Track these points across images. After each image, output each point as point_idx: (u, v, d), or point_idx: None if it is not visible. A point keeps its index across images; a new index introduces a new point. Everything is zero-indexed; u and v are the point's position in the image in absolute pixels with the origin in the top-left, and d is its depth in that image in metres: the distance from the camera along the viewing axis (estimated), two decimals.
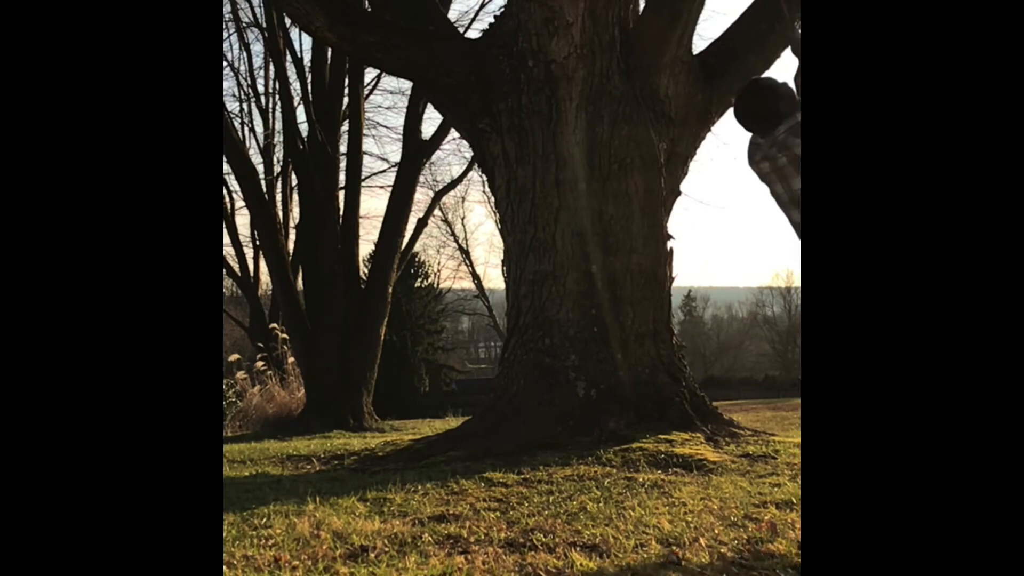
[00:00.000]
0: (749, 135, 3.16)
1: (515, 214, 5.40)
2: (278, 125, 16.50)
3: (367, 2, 8.39)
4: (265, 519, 2.91)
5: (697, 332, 45.23)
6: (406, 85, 16.19)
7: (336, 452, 5.31)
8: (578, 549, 2.32)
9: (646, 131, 5.29)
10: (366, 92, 14.64)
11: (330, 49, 10.95)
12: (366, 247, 20.76)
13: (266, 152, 17.91)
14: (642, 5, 5.64)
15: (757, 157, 3.09)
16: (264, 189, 13.03)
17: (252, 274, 18.67)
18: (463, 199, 36.36)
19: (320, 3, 5.37)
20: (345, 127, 12.49)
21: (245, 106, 18.81)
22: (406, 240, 12.25)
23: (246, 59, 31.19)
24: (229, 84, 19.47)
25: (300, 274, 11.99)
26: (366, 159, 16.39)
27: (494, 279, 48.62)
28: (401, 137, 12.16)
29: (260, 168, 15.74)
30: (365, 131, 13.33)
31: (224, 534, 2.64)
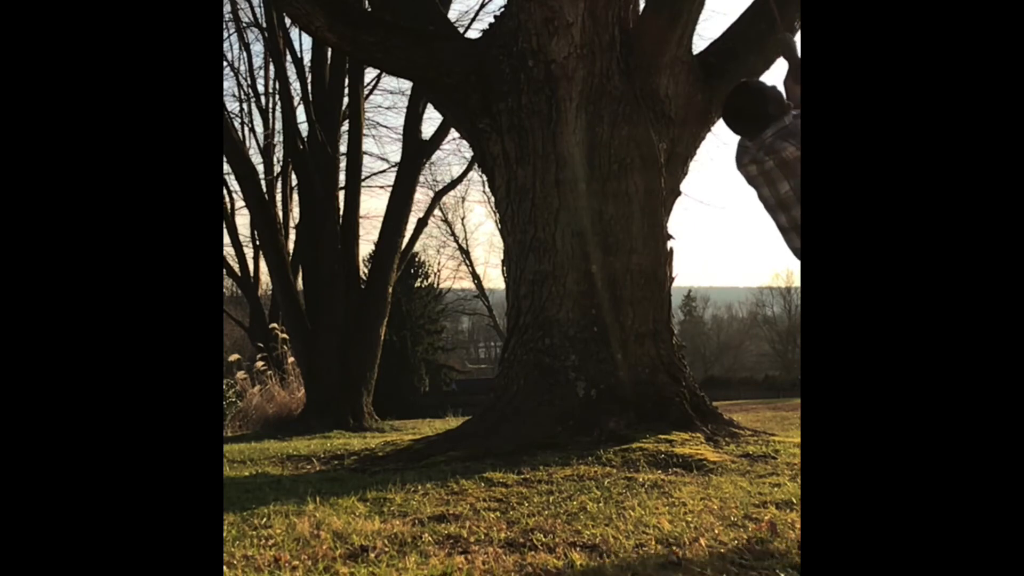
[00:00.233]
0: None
1: (515, 214, 5.40)
2: (278, 125, 16.53)
3: (367, 2, 8.39)
4: (265, 519, 2.91)
5: (697, 332, 45.23)
6: (406, 85, 16.20)
7: (336, 452, 5.31)
8: (578, 549, 2.32)
9: (646, 131, 5.29)
10: (366, 92, 14.65)
11: (330, 49, 10.95)
12: (366, 247, 20.78)
13: (266, 152, 17.92)
14: (642, 5, 5.64)
15: (745, 160, 3.09)
16: (264, 189, 13.03)
17: (252, 274, 18.67)
18: (463, 199, 36.39)
19: (320, 3, 5.37)
20: (345, 127, 12.49)
21: (245, 106, 18.84)
22: (406, 240, 12.25)
23: (246, 59, 31.20)
24: (229, 84, 19.48)
25: (300, 274, 11.99)
26: (366, 159, 16.40)
27: (494, 279, 48.65)
28: (401, 137, 12.17)
29: (260, 168, 15.75)
30: (365, 131, 13.33)
31: (224, 534, 2.64)
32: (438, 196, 15.28)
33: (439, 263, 34.80)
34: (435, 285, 32.64)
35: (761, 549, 2.21)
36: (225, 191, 16.83)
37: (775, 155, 2.94)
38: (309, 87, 12.04)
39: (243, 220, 33.38)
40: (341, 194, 11.61)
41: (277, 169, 17.76)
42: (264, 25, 12.98)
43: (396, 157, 15.90)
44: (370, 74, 14.72)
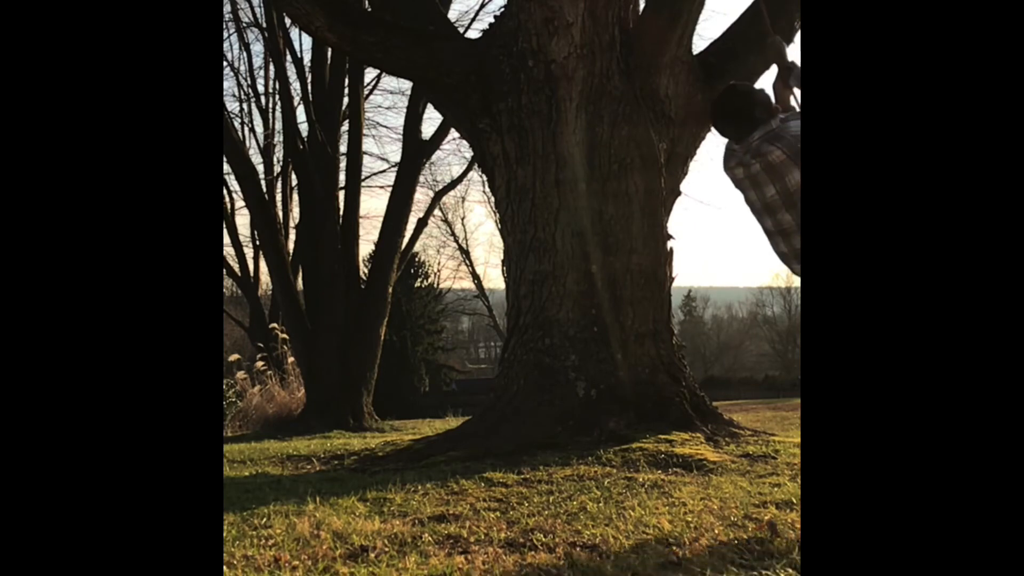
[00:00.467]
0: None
1: (515, 214, 5.40)
2: (278, 125, 16.54)
3: (367, 2, 8.39)
4: (265, 519, 2.91)
5: (697, 332, 45.24)
6: (406, 85, 16.21)
7: (336, 452, 5.31)
8: (578, 549, 2.32)
9: (646, 131, 5.29)
10: (366, 92, 14.66)
11: (330, 49, 10.96)
12: (366, 247, 20.78)
13: (266, 152, 17.92)
14: (642, 5, 5.64)
15: (732, 163, 3.09)
16: (264, 189, 13.04)
17: (252, 274, 18.67)
18: (463, 199, 36.45)
19: (320, 3, 5.36)
20: (345, 127, 12.49)
21: (245, 106, 18.85)
22: (406, 240, 12.26)
23: (246, 59, 31.23)
24: (229, 84, 19.49)
25: (300, 274, 11.99)
26: (366, 159, 16.42)
27: (494, 279, 48.68)
28: (401, 137, 12.17)
29: (260, 168, 15.76)
30: (365, 131, 13.34)
31: (224, 534, 2.64)
32: (438, 196, 15.29)
33: (439, 263, 34.85)
34: (435, 285, 32.65)
35: (761, 549, 2.21)
36: (225, 191, 16.83)
37: (761, 158, 2.94)
38: (309, 87, 12.04)
39: (243, 220, 33.41)
40: (341, 194, 11.61)
41: (277, 169, 17.77)
42: (264, 25, 12.99)
43: (396, 157, 15.91)
44: (370, 74, 14.73)
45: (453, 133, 11.89)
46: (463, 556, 2.31)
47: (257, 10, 14.02)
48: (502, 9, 5.74)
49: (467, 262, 34.55)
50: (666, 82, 5.45)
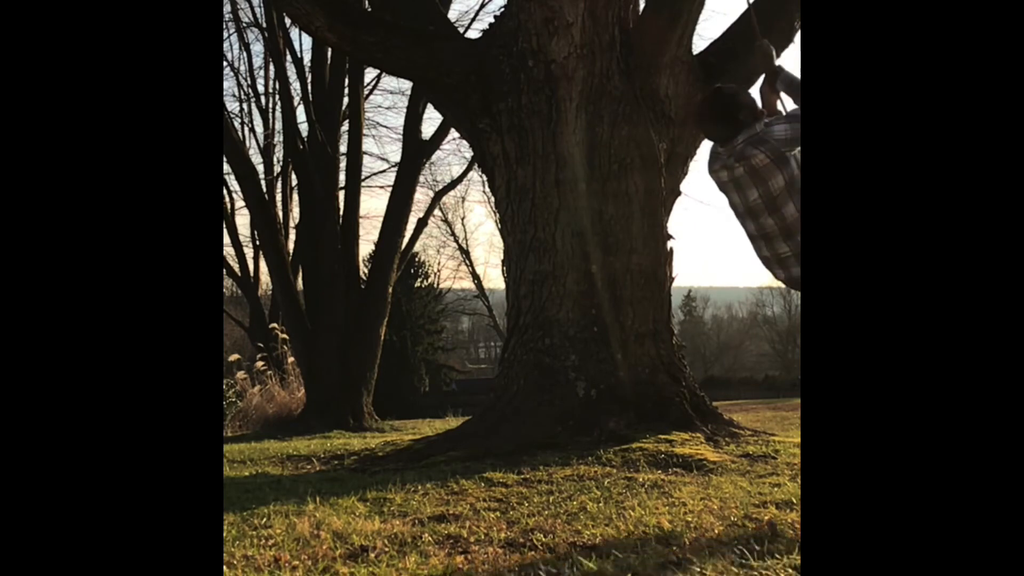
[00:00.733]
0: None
1: (515, 214, 5.40)
2: (278, 125, 16.54)
3: (367, 2, 8.39)
4: (265, 519, 2.91)
5: (697, 332, 45.23)
6: (406, 85, 16.22)
7: (336, 452, 5.31)
8: (578, 549, 2.32)
9: (646, 131, 5.29)
10: (366, 92, 14.66)
11: (330, 49, 10.96)
12: (366, 247, 20.78)
13: (266, 152, 17.92)
14: (642, 5, 5.64)
15: (716, 166, 3.09)
16: (264, 189, 13.04)
17: (252, 274, 18.67)
18: (463, 199, 36.47)
19: (320, 3, 5.36)
20: (345, 127, 12.49)
21: (245, 106, 18.85)
22: (406, 240, 12.26)
23: (246, 59, 31.24)
24: (229, 84, 19.50)
25: (300, 274, 11.99)
26: (366, 159, 16.43)
27: (494, 279, 48.68)
28: (401, 137, 12.18)
29: (260, 168, 15.76)
30: (365, 131, 13.34)
31: (224, 534, 2.64)
32: (438, 196, 15.30)
33: (439, 263, 34.84)
34: (435, 285, 32.64)
35: (761, 549, 2.21)
36: (225, 191, 16.83)
37: (745, 162, 2.93)
38: (309, 87, 12.04)
39: (243, 220, 33.39)
40: (341, 194, 11.61)
41: (277, 169, 17.77)
42: (264, 25, 12.99)
43: (396, 157, 15.92)
44: (370, 74, 14.74)
45: (453, 133, 11.91)
46: (463, 556, 2.31)
47: (257, 10, 14.04)
48: (502, 9, 5.74)
49: (467, 262, 34.58)
50: (666, 82, 5.45)
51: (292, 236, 13.71)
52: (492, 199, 9.48)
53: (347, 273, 11.31)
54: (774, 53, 3.24)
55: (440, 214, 31.38)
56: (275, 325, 12.78)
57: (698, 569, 2.06)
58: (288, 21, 12.16)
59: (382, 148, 76.62)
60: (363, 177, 12.87)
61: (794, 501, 2.85)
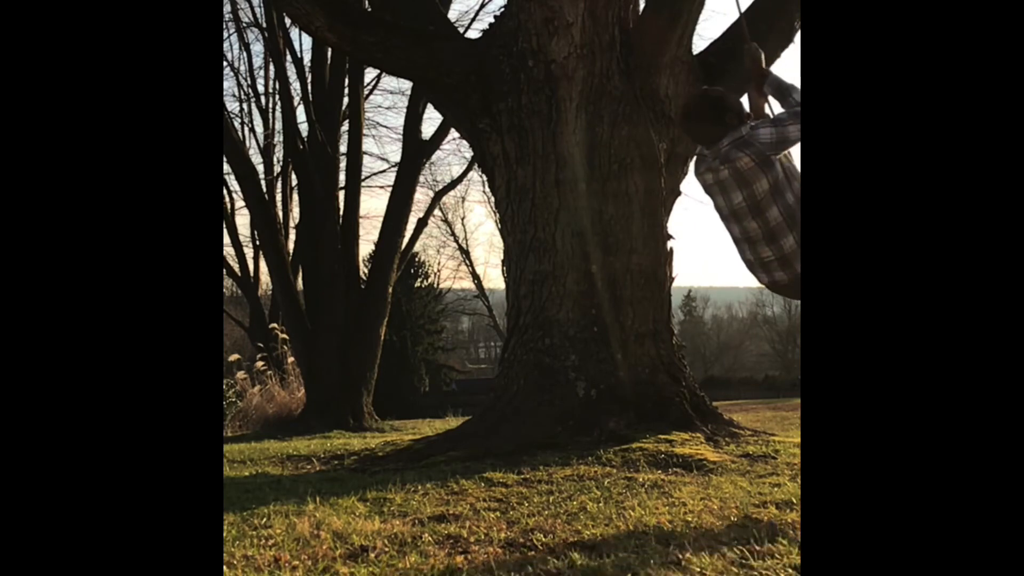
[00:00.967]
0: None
1: (515, 214, 5.40)
2: (278, 125, 16.54)
3: (367, 2, 8.39)
4: (265, 519, 2.91)
5: (697, 332, 45.22)
6: (406, 85, 16.23)
7: (336, 452, 5.31)
8: (578, 549, 2.32)
9: (646, 131, 5.29)
10: (366, 92, 14.67)
11: (330, 49, 10.96)
12: (366, 247, 20.78)
13: (266, 152, 17.93)
14: (642, 5, 5.64)
15: (701, 168, 3.09)
16: (264, 189, 13.04)
17: (252, 274, 18.68)
18: (463, 199, 36.50)
19: (320, 3, 5.36)
20: (345, 127, 12.50)
21: (245, 106, 18.86)
22: (406, 240, 12.26)
23: (246, 59, 31.26)
24: (229, 84, 19.51)
25: (300, 274, 12.00)
26: (366, 159, 16.44)
27: (494, 279, 48.68)
28: (401, 137, 12.18)
29: (260, 168, 15.76)
30: (365, 131, 13.35)
31: (224, 534, 2.64)
32: (438, 196, 15.31)
33: (439, 263, 34.85)
34: (435, 285, 32.64)
35: (761, 549, 2.21)
36: (225, 191, 16.83)
37: (730, 164, 2.93)
38: (309, 87, 12.05)
39: (243, 220, 33.40)
40: (341, 194, 11.61)
41: (277, 169, 17.77)
42: (264, 25, 13.00)
43: (396, 157, 15.93)
44: (370, 74, 14.75)
45: (453, 133, 11.91)
46: (463, 556, 2.31)
47: (257, 10, 14.04)
48: (502, 9, 5.74)
49: (467, 262, 34.58)
50: (666, 82, 5.45)
51: (292, 236, 13.72)
52: (492, 199, 9.48)
53: (347, 273, 11.31)
54: (763, 56, 3.25)
55: (440, 214, 31.41)
56: (275, 325, 12.78)
57: (698, 569, 2.06)
58: (288, 21, 12.16)
59: (382, 148, 76.71)
60: (363, 177, 12.88)
61: (794, 501, 2.85)
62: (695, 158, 3.16)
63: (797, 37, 5.71)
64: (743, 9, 3.71)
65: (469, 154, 14.57)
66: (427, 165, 13.85)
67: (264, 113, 18.11)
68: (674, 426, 4.66)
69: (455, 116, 6.18)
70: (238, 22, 14.66)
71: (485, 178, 6.34)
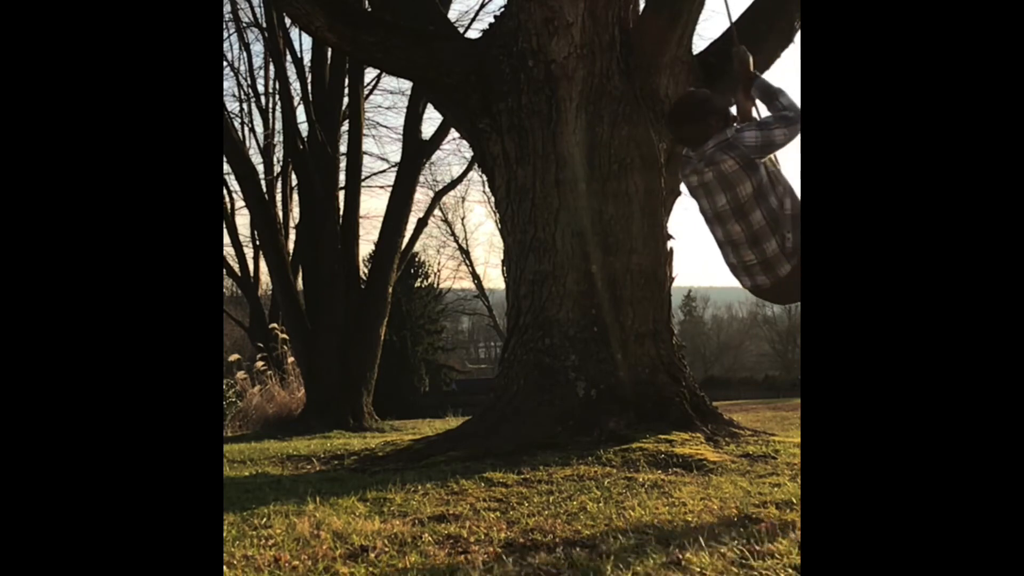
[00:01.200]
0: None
1: (515, 214, 5.40)
2: (278, 125, 16.55)
3: (367, 2, 8.39)
4: (265, 519, 2.91)
5: (697, 332, 45.21)
6: (406, 85, 16.23)
7: (336, 452, 5.31)
8: (578, 549, 2.32)
9: (646, 131, 5.29)
10: (366, 92, 14.67)
11: (330, 49, 10.96)
12: (366, 247, 20.77)
13: (266, 152, 17.93)
14: (642, 5, 5.64)
15: (687, 170, 3.08)
16: (264, 189, 13.05)
17: (252, 274, 18.68)
18: (463, 199, 36.51)
19: (320, 3, 5.37)
20: (345, 127, 12.50)
21: (245, 106, 18.87)
22: (406, 240, 12.27)
23: (246, 59, 31.26)
24: (229, 84, 19.51)
25: (300, 274, 12.00)
26: (366, 159, 16.44)
27: (494, 279, 48.63)
28: (401, 137, 12.18)
29: (260, 168, 15.76)
30: (365, 131, 13.35)
31: (224, 534, 2.64)
32: (438, 196, 15.32)
33: (439, 263, 34.83)
34: (435, 285, 32.63)
35: (761, 549, 2.21)
36: (225, 191, 16.83)
37: (714, 167, 2.93)
38: (309, 87, 12.05)
39: (243, 220, 33.36)
40: (341, 194, 11.61)
41: (277, 169, 17.78)
42: (264, 25, 13.00)
43: (396, 157, 15.94)
44: (370, 74, 14.75)
45: (453, 133, 11.91)
46: (463, 556, 2.31)
47: (257, 10, 14.05)
48: (502, 9, 5.74)
49: (467, 262, 34.56)
50: (666, 82, 5.45)
51: (292, 236, 13.72)
52: (492, 199, 9.48)
53: (347, 273, 11.31)
54: (751, 59, 3.25)
55: (440, 214, 31.40)
56: (275, 325, 12.78)
57: (698, 569, 2.06)
58: (288, 21, 12.16)
59: (382, 148, 76.69)
60: (363, 177, 12.88)
61: (794, 501, 2.85)
62: (681, 160, 3.16)
63: (797, 37, 5.70)
64: (731, 10, 3.72)
65: (469, 154, 14.58)
66: (427, 165, 13.87)
67: (264, 113, 18.14)
68: (674, 426, 4.66)
69: (455, 116, 6.18)
70: (238, 22, 14.68)
71: (485, 178, 6.34)
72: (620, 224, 5.20)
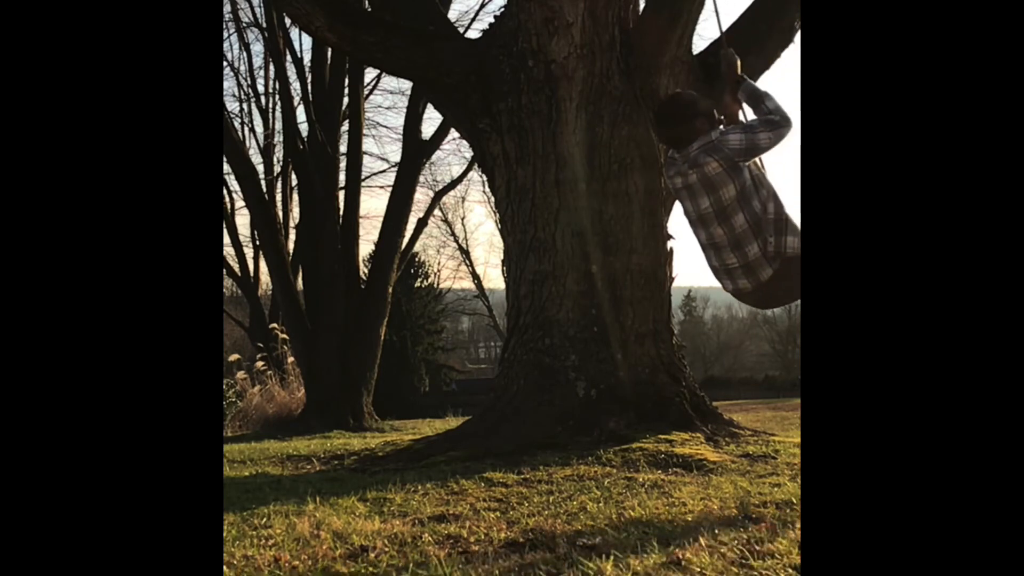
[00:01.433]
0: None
1: (515, 214, 5.40)
2: (278, 125, 16.56)
3: (367, 2, 8.39)
4: (265, 519, 2.91)
5: (697, 332, 45.21)
6: (406, 85, 16.23)
7: (336, 452, 5.31)
8: (578, 549, 2.32)
9: (646, 131, 5.29)
10: (366, 92, 14.68)
11: (330, 49, 10.96)
12: (366, 247, 20.78)
13: (266, 152, 17.94)
14: (642, 5, 5.64)
15: (671, 172, 3.08)
16: (264, 189, 13.05)
17: (252, 274, 18.68)
18: (463, 199, 36.53)
19: (320, 3, 5.37)
20: (345, 127, 12.50)
21: (245, 106, 18.88)
22: (406, 240, 12.27)
23: (246, 59, 31.27)
24: (229, 84, 19.52)
25: (300, 274, 12.00)
26: (366, 159, 16.45)
27: (494, 279, 48.64)
28: (401, 137, 12.18)
29: (260, 168, 15.77)
30: (365, 131, 13.35)
31: (224, 534, 2.64)
32: (438, 196, 15.32)
33: (439, 263, 34.85)
34: (435, 285, 32.63)
35: (761, 549, 2.21)
36: (225, 191, 16.83)
37: (698, 169, 2.93)
38: (309, 87, 12.05)
39: (243, 220, 33.37)
40: (341, 194, 11.61)
41: (277, 169, 17.78)
42: (264, 25, 13.00)
43: (396, 157, 15.94)
44: (370, 74, 14.75)
45: (453, 133, 11.91)
46: (463, 556, 2.31)
47: (257, 10, 14.06)
48: (502, 9, 5.74)
49: (467, 262, 34.57)
50: (666, 82, 5.44)
51: (292, 236, 13.72)
52: (492, 199, 9.48)
53: (347, 273, 11.31)
54: (739, 62, 3.25)
55: (440, 214, 31.40)
56: (275, 325, 12.78)
57: (698, 569, 2.06)
58: (288, 21, 12.16)
59: (382, 148, 76.66)
60: (363, 177, 12.88)
61: (794, 501, 2.85)
62: (666, 162, 3.16)
63: (797, 37, 5.70)
64: (720, 13, 3.72)
65: (469, 154, 14.59)
66: (427, 165, 13.87)
67: (264, 113, 18.14)
68: (674, 426, 4.66)
69: (455, 116, 6.18)
70: (238, 22, 14.68)
71: (485, 178, 6.34)
72: (620, 224, 5.20)
